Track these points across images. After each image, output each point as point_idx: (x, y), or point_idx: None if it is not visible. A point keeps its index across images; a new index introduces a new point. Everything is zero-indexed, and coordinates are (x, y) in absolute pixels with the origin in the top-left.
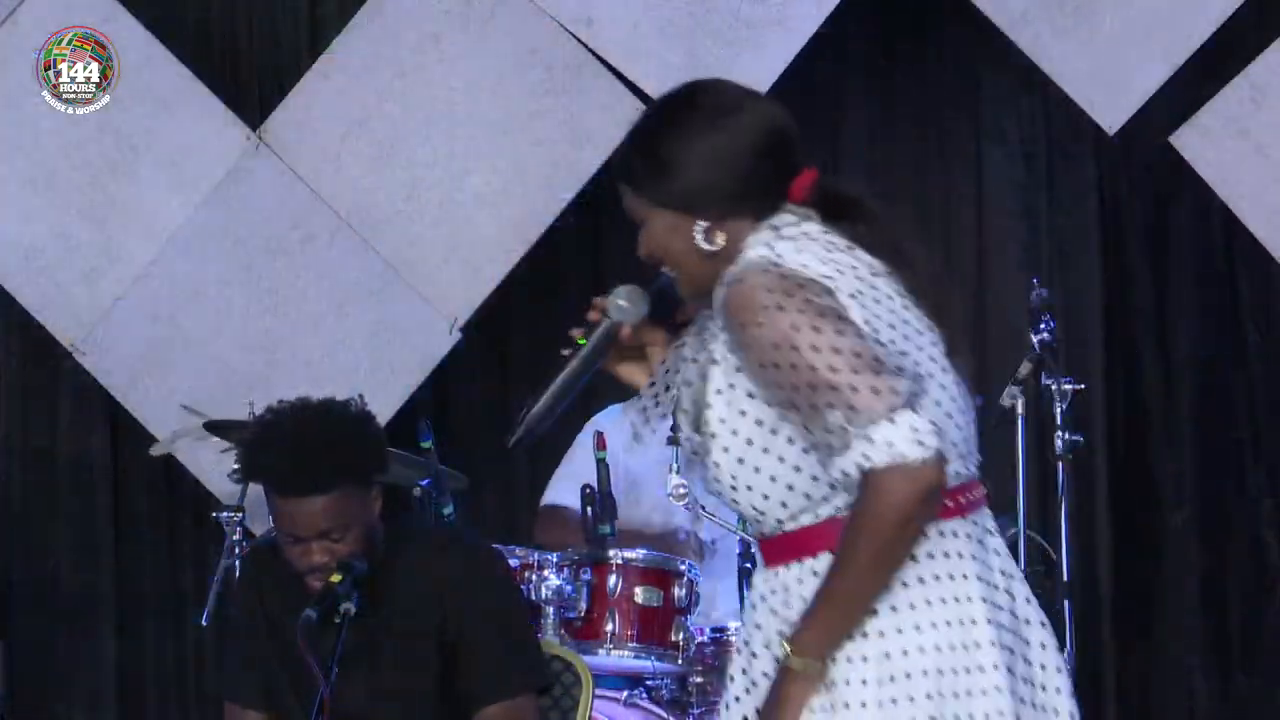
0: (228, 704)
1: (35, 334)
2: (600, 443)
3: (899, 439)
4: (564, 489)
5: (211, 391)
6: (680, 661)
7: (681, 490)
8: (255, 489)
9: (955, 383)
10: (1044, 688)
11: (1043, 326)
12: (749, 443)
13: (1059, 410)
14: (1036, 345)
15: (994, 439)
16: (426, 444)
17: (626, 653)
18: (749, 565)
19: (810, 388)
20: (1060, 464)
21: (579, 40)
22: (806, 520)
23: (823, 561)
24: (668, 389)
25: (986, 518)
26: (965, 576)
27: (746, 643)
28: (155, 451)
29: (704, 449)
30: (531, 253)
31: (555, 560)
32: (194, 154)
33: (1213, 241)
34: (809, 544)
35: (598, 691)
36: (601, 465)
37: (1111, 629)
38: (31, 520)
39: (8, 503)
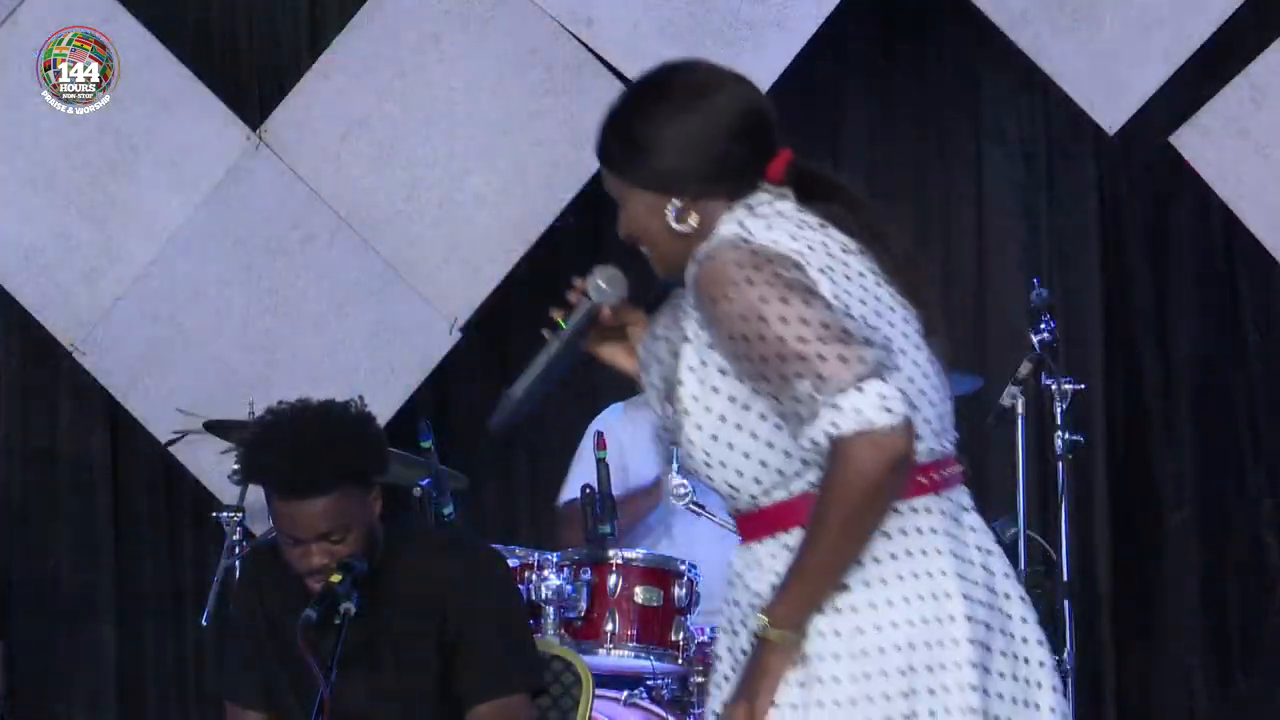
0: (228, 704)
1: (35, 334)
2: (600, 442)
3: (866, 406)
4: (579, 486)
5: (211, 391)
6: (680, 661)
7: (682, 490)
8: (255, 489)
9: (929, 360)
10: (1026, 660)
11: (1043, 326)
12: (722, 419)
13: (1059, 410)
14: (1036, 345)
15: (994, 439)
16: (426, 444)
17: (626, 653)
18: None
19: (779, 358)
20: (1060, 464)
21: (579, 40)
22: (780, 496)
23: (795, 536)
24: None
25: (962, 494)
26: (939, 552)
27: (729, 620)
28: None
29: (676, 426)
30: (531, 253)
31: (555, 560)
32: (194, 154)
33: (1213, 241)
34: (782, 519)
35: (598, 691)
36: (601, 465)
37: (1111, 629)
38: (31, 520)
39: (8, 503)
